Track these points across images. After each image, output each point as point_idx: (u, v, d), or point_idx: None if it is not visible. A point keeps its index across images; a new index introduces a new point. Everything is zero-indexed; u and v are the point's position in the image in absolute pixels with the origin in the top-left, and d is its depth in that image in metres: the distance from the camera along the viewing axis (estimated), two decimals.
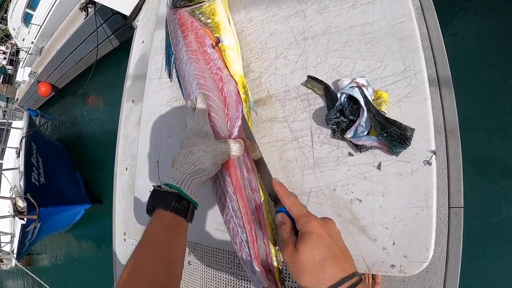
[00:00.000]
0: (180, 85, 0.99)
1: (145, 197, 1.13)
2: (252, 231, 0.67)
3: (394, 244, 0.61)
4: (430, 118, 0.62)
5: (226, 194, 0.73)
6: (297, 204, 0.57)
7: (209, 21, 0.92)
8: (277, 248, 0.67)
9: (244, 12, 0.99)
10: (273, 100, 0.82)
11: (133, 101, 2.17)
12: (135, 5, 2.72)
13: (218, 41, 0.88)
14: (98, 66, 4.35)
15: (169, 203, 0.59)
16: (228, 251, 0.92)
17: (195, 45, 0.91)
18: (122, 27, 4.22)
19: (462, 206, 1.04)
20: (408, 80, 0.65)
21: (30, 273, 5.51)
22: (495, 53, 2.23)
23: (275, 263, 0.65)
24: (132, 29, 2.69)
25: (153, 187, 0.63)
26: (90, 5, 4.30)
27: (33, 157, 5.39)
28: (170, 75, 1.09)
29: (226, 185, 0.73)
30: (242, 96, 0.80)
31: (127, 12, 2.78)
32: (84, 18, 4.58)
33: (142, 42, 2.12)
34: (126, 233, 2.14)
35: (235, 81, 0.82)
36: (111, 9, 2.92)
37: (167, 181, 0.63)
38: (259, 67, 0.88)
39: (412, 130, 0.61)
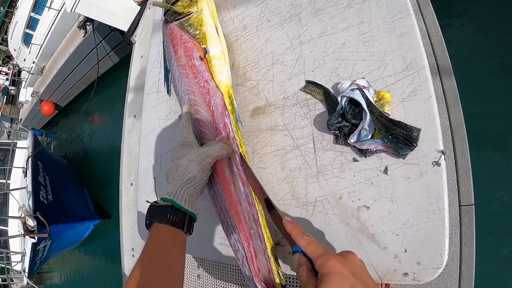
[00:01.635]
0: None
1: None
2: (250, 248, 0.65)
3: (406, 251, 0.58)
4: (436, 116, 0.59)
5: (224, 210, 0.71)
6: (312, 243, 0.55)
7: (197, 32, 0.91)
8: (278, 264, 0.65)
9: (237, 20, 0.97)
10: (272, 108, 0.80)
11: (134, 116, 2.17)
12: (131, 21, 2.75)
13: (205, 52, 0.87)
14: (99, 83, 4.38)
15: (164, 216, 0.60)
16: (234, 266, 0.89)
17: (184, 59, 0.90)
18: (121, 43, 4.24)
19: (473, 203, 1.01)
20: (411, 78, 0.63)
21: None
22: (495, 41, 2.19)
23: (277, 280, 0.63)
24: (130, 45, 2.71)
25: (148, 203, 0.65)
26: (88, 23, 4.34)
27: (40, 175, 5.41)
28: (168, 91, 1.07)
29: (222, 201, 0.72)
30: (228, 107, 0.78)
31: (124, 28, 2.80)
32: (83, 36, 4.60)
33: (141, 56, 2.13)
34: (134, 248, 2.12)
35: (221, 92, 0.80)
36: (109, 26, 2.95)
37: (162, 195, 0.64)
38: (256, 75, 0.86)
39: (418, 130, 0.59)
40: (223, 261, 0.86)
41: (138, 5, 2.72)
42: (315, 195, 0.69)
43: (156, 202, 0.64)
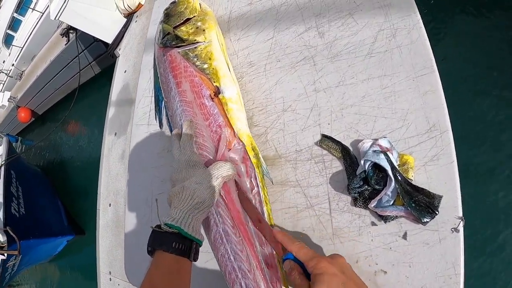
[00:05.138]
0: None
1: (136, 258, 1.03)
2: None
3: None
4: (457, 182, 0.57)
5: (239, 270, 0.64)
6: (303, 248, 0.58)
7: (205, 66, 0.82)
8: None
9: (242, 54, 0.90)
10: (283, 160, 0.73)
11: (115, 134, 2.06)
12: (116, 33, 2.65)
13: (217, 91, 0.78)
14: (80, 93, 4.23)
15: (169, 244, 0.56)
16: None
17: (191, 95, 0.81)
18: (104, 53, 4.12)
19: None
20: (434, 141, 0.59)
21: None
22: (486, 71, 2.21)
23: None
24: (114, 57, 2.61)
25: (151, 228, 0.60)
26: (71, 31, 4.17)
27: (12, 186, 5.11)
28: (161, 125, 0.98)
29: (239, 260, 0.65)
30: (253, 160, 0.70)
31: (108, 40, 2.70)
32: (65, 44, 4.44)
33: (124, 71, 2.04)
34: (112, 272, 2.00)
35: (241, 142, 0.73)
36: (93, 36, 2.85)
37: (167, 220, 0.59)
38: (264, 121, 0.79)
39: (440, 197, 0.56)
40: None
41: (125, 17, 2.63)
42: None
43: (159, 227, 0.59)
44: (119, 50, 2.49)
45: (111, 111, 2.03)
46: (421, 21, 0.66)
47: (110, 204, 2.03)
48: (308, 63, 0.77)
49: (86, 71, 4.79)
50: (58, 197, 6.19)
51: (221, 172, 0.66)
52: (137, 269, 1.04)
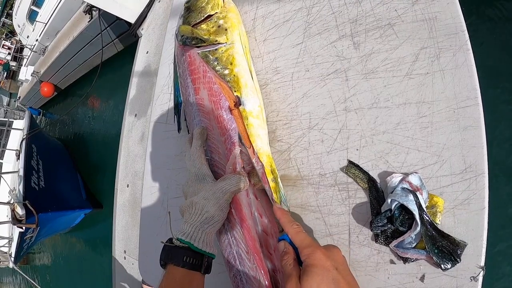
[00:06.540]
0: None
1: (151, 256, 1.03)
2: None
3: None
4: (484, 231, 0.52)
5: None
6: (301, 233, 0.56)
7: (226, 72, 0.74)
8: None
9: (268, 59, 0.83)
10: (305, 183, 0.68)
11: (135, 115, 2.06)
12: (139, 13, 2.61)
13: (237, 102, 0.71)
14: (102, 69, 4.26)
15: (180, 258, 0.57)
16: None
17: (208, 104, 0.74)
18: (126, 31, 4.11)
19: None
20: (467, 183, 0.54)
21: (25, 276, 5.46)
22: None
23: None
24: (136, 37, 2.58)
25: (163, 243, 0.61)
26: (94, 9, 4.18)
27: (33, 159, 5.27)
28: (179, 129, 0.93)
29: (249, 284, 0.63)
30: (271, 184, 0.65)
31: (131, 20, 2.67)
32: (88, 21, 4.48)
33: (147, 52, 2.03)
34: (126, 251, 2.05)
35: (260, 162, 0.67)
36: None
37: (178, 235, 0.60)
38: (288, 137, 0.73)
39: (465, 245, 0.52)
40: None
41: None
42: None
43: (171, 240, 0.60)
44: (142, 30, 2.46)
45: (132, 92, 2.04)
46: (469, 42, 0.58)
47: (128, 185, 2.07)
48: (339, 77, 0.70)
49: (109, 49, 4.84)
50: (77, 171, 6.36)
51: (229, 187, 0.65)
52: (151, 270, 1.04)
